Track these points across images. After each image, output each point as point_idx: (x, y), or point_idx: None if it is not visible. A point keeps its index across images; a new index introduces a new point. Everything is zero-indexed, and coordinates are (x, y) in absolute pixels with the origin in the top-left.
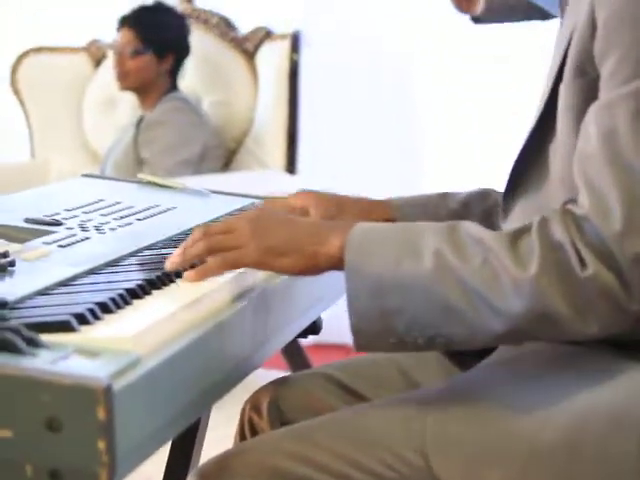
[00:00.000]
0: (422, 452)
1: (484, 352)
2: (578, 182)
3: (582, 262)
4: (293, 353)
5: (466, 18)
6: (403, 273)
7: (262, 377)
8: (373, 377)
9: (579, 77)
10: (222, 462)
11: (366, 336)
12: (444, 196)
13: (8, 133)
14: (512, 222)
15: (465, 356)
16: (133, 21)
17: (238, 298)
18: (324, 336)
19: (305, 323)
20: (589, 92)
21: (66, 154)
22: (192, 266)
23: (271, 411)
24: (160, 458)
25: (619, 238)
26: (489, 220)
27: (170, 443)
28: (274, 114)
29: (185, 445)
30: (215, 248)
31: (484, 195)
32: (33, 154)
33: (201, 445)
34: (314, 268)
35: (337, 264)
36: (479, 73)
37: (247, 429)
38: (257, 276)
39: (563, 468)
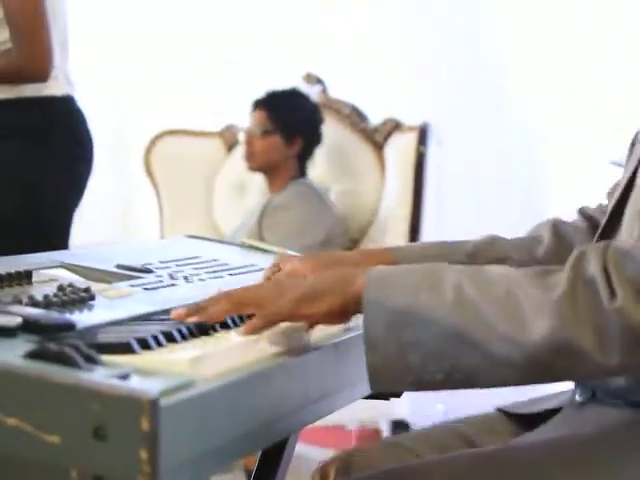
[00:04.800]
0: None
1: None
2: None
3: (612, 293)
4: None
5: None
6: (421, 305)
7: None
8: (439, 444)
9: None
10: None
11: (382, 374)
12: (449, 247)
13: (139, 213)
14: None
15: (527, 418)
16: (266, 102)
17: (308, 346)
18: None
19: None
20: None
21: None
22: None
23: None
24: None
25: None
26: None
27: None
28: (399, 206)
29: None
30: (242, 303)
31: (491, 244)
32: (162, 235)
33: None
34: (346, 310)
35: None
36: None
37: None
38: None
39: None
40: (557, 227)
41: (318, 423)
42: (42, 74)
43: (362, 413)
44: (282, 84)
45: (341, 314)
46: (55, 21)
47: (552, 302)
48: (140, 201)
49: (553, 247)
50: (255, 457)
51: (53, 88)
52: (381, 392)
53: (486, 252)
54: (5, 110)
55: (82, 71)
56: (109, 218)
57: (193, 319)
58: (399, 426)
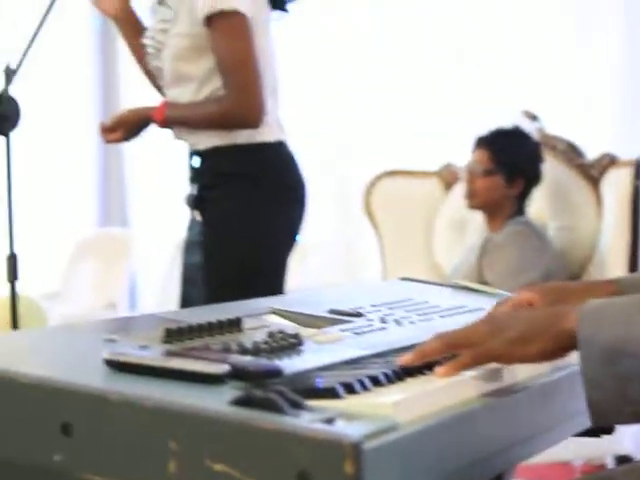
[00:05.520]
0: None
1: None
2: None
3: None
4: None
5: None
6: (634, 336)
7: None
8: None
9: None
10: None
11: (602, 407)
12: None
13: (362, 255)
14: None
15: None
16: (488, 142)
17: (511, 388)
18: None
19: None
20: None
21: (416, 275)
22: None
23: None
24: None
25: None
26: None
27: None
28: (617, 241)
29: None
30: (454, 344)
31: None
32: (384, 276)
33: None
34: (560, 349)
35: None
36: None
37: None
38: (524, 370)
39: None
40: None
41: (543, 460)
42: (254, 121)
43: (587, 449)
44: (496, 121)
45: (554, 353)
46: (266, 68)
47: None
48: (362, 243)
49: None
50: None
51: (265, 134)
52: (601, 425)
53: None
54: (219, 157)
55: (304, 116)
56: (332, 261)
57: (407, 361)
58: (624, 461)
